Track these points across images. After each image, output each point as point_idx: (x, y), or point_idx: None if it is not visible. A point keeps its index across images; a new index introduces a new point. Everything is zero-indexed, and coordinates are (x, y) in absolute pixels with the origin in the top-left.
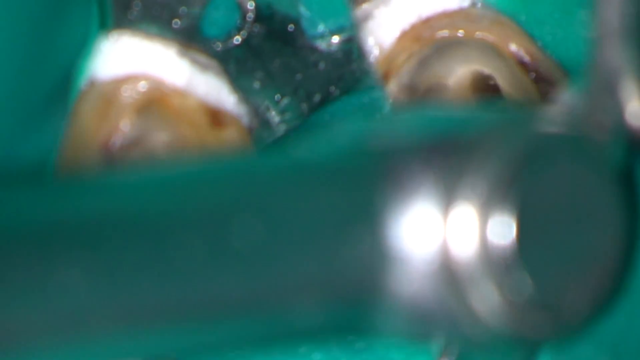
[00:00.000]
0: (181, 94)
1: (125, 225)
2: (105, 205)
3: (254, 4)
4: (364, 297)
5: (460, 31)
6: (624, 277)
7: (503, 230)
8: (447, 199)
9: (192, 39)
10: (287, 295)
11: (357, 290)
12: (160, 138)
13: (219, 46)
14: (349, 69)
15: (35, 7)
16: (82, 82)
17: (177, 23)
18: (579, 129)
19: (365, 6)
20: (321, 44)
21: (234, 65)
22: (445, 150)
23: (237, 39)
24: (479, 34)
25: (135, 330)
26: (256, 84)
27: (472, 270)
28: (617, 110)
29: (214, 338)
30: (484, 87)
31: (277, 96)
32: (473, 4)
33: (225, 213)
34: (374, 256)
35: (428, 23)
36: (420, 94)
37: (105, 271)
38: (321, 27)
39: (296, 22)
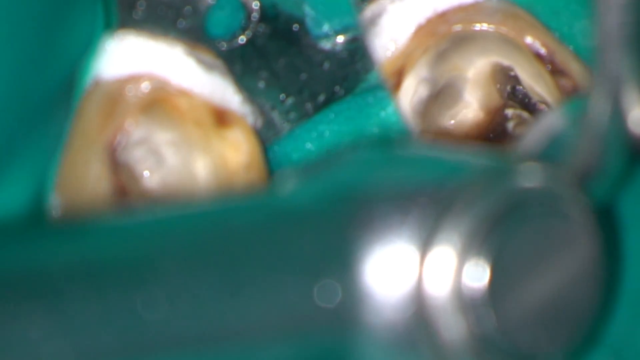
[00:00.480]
0: (186, 93)
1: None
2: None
3: (259, 4)
4: (337, 343)
5: (476, 25)
6: (597, 327)
7: (476, 275)
8: (426, 241)
9: (197, 38)
10: (264, 334)
11: (329, 335)
12: (165, 137)
13: (224, 46)
14: (354, 68)
15: (38, 6)
16: (87, 82)
17: (182, 23)
18: (557, 180)
19: (380, 1)
20: (326, 44)
21: (239, 65)
22: (428, 197)
23: (242, 39)
24: (494, 27)
25: None
26: (261, 84)
27: (444, 310)
28: (620, 117)
29: None
30: (504, 79)
31: (282, 96)
32: None
33: (207, 252)
34: (350, 303)
35: (444, 17)
36: (440, 87)
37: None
38: (326, 27)
39: (301, 22)
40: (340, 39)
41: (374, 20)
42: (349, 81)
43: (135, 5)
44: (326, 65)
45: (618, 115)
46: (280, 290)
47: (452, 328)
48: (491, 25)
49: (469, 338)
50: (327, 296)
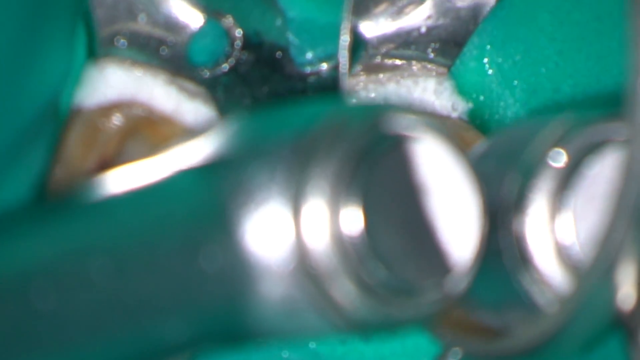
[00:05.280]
0: (169, 121)
1: None
2: None
3: (242, 32)
4: (231, 305)
5: None
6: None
7: (351, 219)
8: (296, 195)
9: (179, 66)
10: (158, 309)
11: (222, 300)
12: None
13: (207, 73)
14: (338, 96)
15: (13, 37)
16: (68, 111)
17: (164, 50)
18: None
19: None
20: (309, 72)
21: (222, 92)
22: (290, 149)
23: (225, 67)
24: None
25: None
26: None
27: (328, 263)
28: (612, 291)
29: None
30: None
31: None
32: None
33: (89, 235)
34: (234, 265)
35: None
36: None
37: None
38: (309, 55)
39: (284, 49)
40: (324, 66)
41: (350, 91)
42: None
43: (117, 33)
44: (309, 92)
45: (610, 288)
46: (165, 263)
47: (337, 276)
48: None
49: (354, 283)
50: (210, 262)
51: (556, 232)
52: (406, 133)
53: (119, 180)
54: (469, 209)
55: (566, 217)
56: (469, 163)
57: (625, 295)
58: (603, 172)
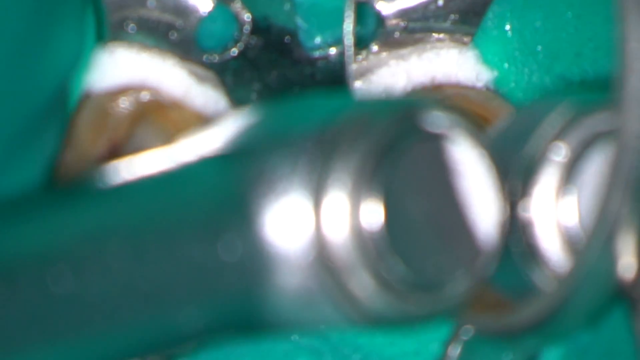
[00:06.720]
0: (178, 105)
1: None
2: None
3: (250, 16)
4: (248, 295)
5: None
6: (497, 249)
7: (371, 213)
8: (317, 188)
9: (189, 50)
10: (174, 296)
11: (240, 289)
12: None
13: (216, 58)
14: (346, 80)
15: (23, 22)
16: (79, 95)
17: (173, 35)
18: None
19: (382, 55)
20: (317, 56)
21: (231, 77)
22: (313, 142)
23: (234, 51)
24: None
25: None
26: (253, 96)
27: (346, 257)
28: (612, 262)
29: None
30: None
31: None
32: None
33: (108, 221)
34: (253, 255)
35: (439, 89)
36: None
37: None
38: (318, 39)
39: (293, 34)
40: (332, 50)
41: (371, 69)
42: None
43: (127, 17)
44: (318, 77)
45: (610, 258)
46: (184, 250)
47: (355, 270)
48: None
49: (372, 277)
50: (229, 251)
51: (560, 221)
52: (430, 129)
53: (137, 167)
54: (489, 204)
55: (570, 206)
56: (490, 158)
57: (626, 265)
58: (605, 162)
